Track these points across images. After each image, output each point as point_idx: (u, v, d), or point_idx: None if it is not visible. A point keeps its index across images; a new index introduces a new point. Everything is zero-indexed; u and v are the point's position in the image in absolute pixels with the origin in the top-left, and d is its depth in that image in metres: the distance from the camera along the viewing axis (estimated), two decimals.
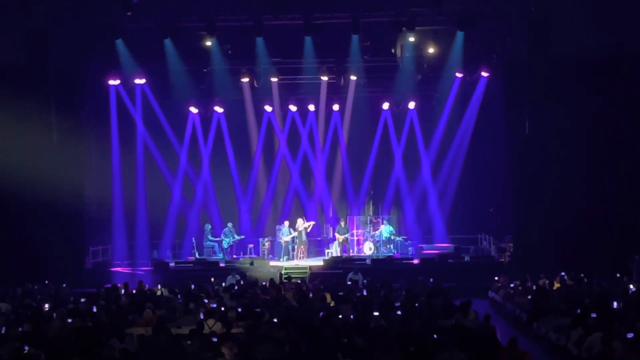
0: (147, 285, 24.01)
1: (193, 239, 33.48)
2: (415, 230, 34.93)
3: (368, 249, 32.72)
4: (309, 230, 32.43)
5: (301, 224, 32.09)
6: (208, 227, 33.49)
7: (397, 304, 19.32)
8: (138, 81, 32.93)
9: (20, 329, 16.49)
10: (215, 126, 35.63)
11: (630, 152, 29.30)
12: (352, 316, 17.59)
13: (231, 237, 32.74)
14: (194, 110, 35.10)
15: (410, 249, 33.06)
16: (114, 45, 30.87)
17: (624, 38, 28.29)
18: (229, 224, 33.22)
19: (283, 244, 32.53)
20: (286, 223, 32.80)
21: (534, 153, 29.45)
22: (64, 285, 26.11)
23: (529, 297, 21.62)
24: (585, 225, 28.78)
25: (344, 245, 32.60)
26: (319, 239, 34.82)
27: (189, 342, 14.88)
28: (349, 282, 24.66)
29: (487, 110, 33.13)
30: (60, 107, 29.91)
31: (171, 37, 30.73)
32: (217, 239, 33.12)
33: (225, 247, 32.68)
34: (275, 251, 33.31)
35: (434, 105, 34.79)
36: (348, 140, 35.70)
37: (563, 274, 25.19)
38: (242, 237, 33.38)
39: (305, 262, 31.25)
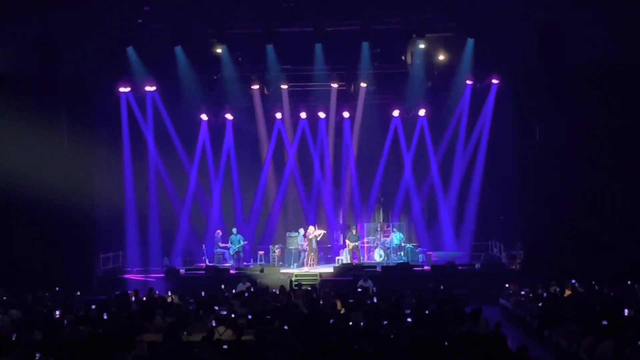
0: (157, 292, 24.05)
1: (203, 245, 33.53)
2: (426, 237, 34.84)
3: (378, 256, 32.70)
4: (319, 238, 32.42)
5: (312, 231, 32.12)
6: (219, 234, 33.52)
7: (408, 311, 19.28)
8: (149, 88, 32.96)
9: (31, 336, 16.49)
10: (226, 133, 35.67)
11: None
12: (362, 323, 17.58)
13: (237, 244, 32.77)
14: (204, 117, 35.18)
15: (420, 256, 33.01)
16: (125, 52, 31.03)
17: (635, 45, 28.22)
18: (234, 230, 33.29)
19: (294, 251, 32.66)
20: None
21: (544, 160, 29.40)
22: (78, 293, 26.19)
23: (540, 304, 21.57)
24: (596, 233, 28.71)
25: (354, 252, 32.56)
26: (329, 246, 34.80)
27: (197, 349, 14.87)
28: (360, 289, 24.63)
29: (497, 117, 33.05)
30: (71, 114, 30.02)
31: (182, 44, 30.91)
32: (228, 245, 33.15)
33: (232, 254, 32.74)
34: (285, 258, 33.32)
35: (445, 112, 34.68)
36: (358, 147, 35.69)
37: (574, 281, 25.13)
38: (246, 242, 33.36)
39: (315, 269, 31.25)
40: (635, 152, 29.21)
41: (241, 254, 33.03)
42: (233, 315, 18.72)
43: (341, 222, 36.20)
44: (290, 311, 19.55)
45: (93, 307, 21.49)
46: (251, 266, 31.88)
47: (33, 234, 29.44)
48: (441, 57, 32.65)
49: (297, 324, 17.40)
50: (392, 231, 33.42)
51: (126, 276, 30.81)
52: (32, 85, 29.69)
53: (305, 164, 36.26)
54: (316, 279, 29.45)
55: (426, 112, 34.71)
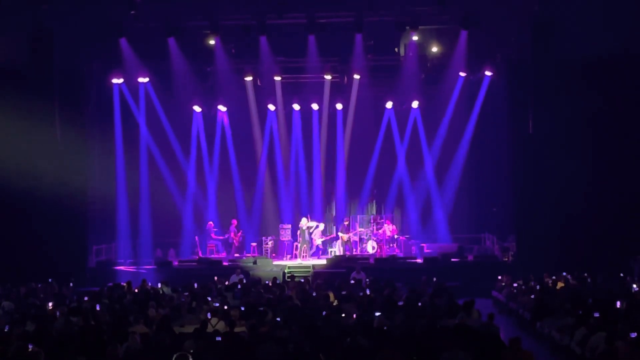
0: (150, 284, 24.06)
1: (196, 237, 33.52)
2: (419, 230, 34.87)
3: (371, 248, 32.71)
4: (312, 230, 32.43)
5: (305, 223, 32.13)
6: (211, 225, 33.50)
7: (401, 303, 19.31)
8: (142, 80, 32.89)
9: (23, 328, 16.47)
10: (219, 125, 35.64)
11: (634, 152, 29.23)
12: (355, 315, 17.60)
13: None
14: (197, 109, 35.10)
15: (413, 248, 33.03)
16: (118, 44, 30.94)
17: (628, 38, 28.21)
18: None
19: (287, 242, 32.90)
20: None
21: (537, 152, 29.45)
22: (71, 284, 26.19)
23: (533, 296, 21.62)
24: (589, 225, 28.74)
25: (347, 245, 32.59)
26: (323, 238, 34.76)
27: (190, 340, 14.84)
28: (352, 281, 24.67)
29: (490, 109, 33.06)
30: (64, 105, 29.99)
31: (175, 36, 30.83)
32: (220, 237, 33.17)
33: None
34: (278, 250, 33.34)
35: (438, 104, 34.60)
36: (351, 139, 35.62)
37: (566, 273, 25.21)
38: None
39: (308, 261, 31.27)
40: (628, 144, 29.26)
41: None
42: (226, 307, 18.73)
43: (334, 214, 36.18)
44: (283, 303, 19.57)
45: (85, 298, 21.51)
46: (244, 258, 31.85)
47: (26, 226, 29.42)
48: (434, 49, 32.67)
49: (290, 315, 17.43)
50: (386, 223, 33.35)
51: (118, 268, 30.78)
52: (25, 76, 29.65)
53: (298, 155, 36.18)
54: (309, 271, 29.47)
55: (419, 104, 34.68)
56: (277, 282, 24.17)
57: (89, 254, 30.96)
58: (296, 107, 35.37)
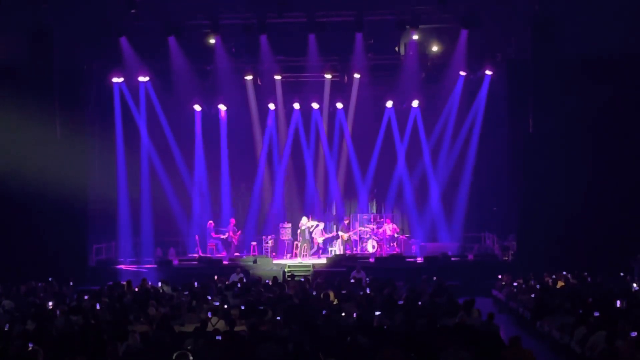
0: (150, 283, 24.05)
1: (196, 236, 33.51)
2: (419, 229, 34.86)
3: (371, 247, 32.71)
4: (312, 229, 32.42)
5: (305, 222, 32.14)
6: (211, 224, 33.50)
7: (400, 303, 19.31)
8: (142, 79, 32.88)
9: (24, 327, 16.46)
10: (220, 124, 35.61)
11: (635, 151, 29.25)
12: (355, 314, 17.60)
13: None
14: (197, 108, 35.08)
15: (413, 247, 33.03)
16: (118, 43, 30.93)
17: (628, 38, 28.20)
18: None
19: (287, 242, 32.87)
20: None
21: (537, 152, 29.44)
22: (71, 283, 26.18)
23: (533, 295, 21.62)
24: (589, 224, 28.73)
25: (347, 244, 32.60)
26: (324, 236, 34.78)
27: (190, 339, 14.85)
28: (352, 280, 24.66)
29: (491, 108, 33.02)
30: (64, 104, 29.93)
31: (175, 35, 30.80)
32: (220, 236, 33.17)
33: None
34: (278, 249, 33.35)
35: (438, 103, 34.64)
36: (352, 139, 35.59)
37: (566, 272, 25.20)
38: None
39: (308, 260, 31.27)
40: (628, 144, 29.27)
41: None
42: (226, 306, 18.73)
43: (334, 213, 36.18)
44: (283, 302, 19.56)
45: (86, 297, 21.49)
46: (244, 257, 31.85)
47: (26, 224, 29.40)
48: (435, 48, 32.64)
49: (289, 314, 17.43)
50: (386, 222, 33.34)
51: (119, 267, 30.77)
52: (25, 75, 29.59)
53: (298, 155, 36.19)
54: (309, 270, 29.46)
55: (419, 104, 34.67)
56: (277, 281, 24.16)
57: (90, 252, 30.94)
58: (296, 106, 35.36)
